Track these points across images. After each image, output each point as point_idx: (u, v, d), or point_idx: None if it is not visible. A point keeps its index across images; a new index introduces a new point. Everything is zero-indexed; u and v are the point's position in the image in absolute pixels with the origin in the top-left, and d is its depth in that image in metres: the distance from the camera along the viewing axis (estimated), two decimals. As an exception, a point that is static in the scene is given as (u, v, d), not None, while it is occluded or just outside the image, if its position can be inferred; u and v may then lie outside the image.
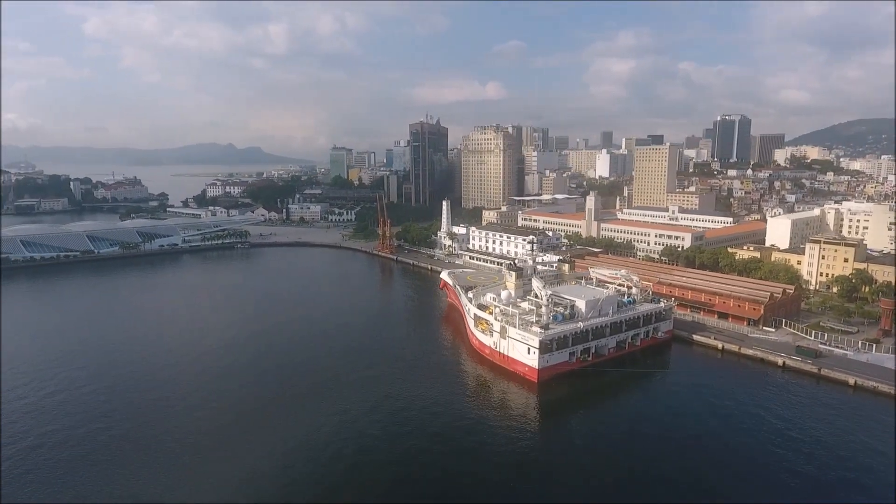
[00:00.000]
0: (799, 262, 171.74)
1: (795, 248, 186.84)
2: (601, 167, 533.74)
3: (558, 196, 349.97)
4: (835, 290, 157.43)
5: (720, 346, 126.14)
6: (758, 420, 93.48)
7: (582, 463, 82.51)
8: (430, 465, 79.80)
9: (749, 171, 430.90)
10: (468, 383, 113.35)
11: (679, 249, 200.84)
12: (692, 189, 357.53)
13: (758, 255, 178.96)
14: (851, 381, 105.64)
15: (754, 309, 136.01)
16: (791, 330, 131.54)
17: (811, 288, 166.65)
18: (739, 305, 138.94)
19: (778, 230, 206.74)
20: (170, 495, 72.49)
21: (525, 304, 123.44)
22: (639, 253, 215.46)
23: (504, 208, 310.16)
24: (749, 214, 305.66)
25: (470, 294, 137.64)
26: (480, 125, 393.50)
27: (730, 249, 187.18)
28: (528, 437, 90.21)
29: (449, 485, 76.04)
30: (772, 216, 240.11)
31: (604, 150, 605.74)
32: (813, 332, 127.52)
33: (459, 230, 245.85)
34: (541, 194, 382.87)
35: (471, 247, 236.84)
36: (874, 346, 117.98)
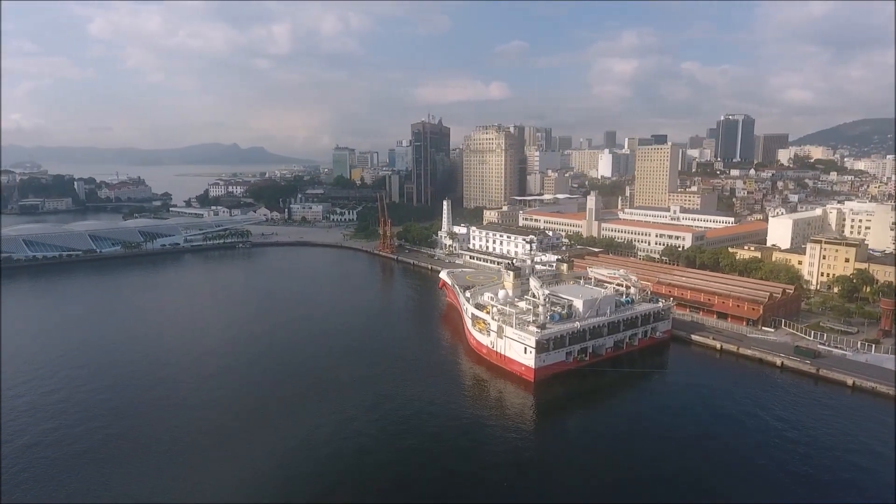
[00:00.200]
0: (800, 263, 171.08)
1: (797, 248, 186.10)
2: (603, 167, 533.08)
3: (560, 196, 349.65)
4: (836, 290, 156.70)
5: (719, 346, 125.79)
6: (756, 420, 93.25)
7: (579, 463, 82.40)
8: (427, 465, 79.92)
9: (752, 171, 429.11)
10: (466, 383, 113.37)
11: (679, 249, 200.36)
12: (694, 189, 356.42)
13: (758, 255, 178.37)
14: (850, 381, 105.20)
15: (753, 309, 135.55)
16: (790, 330, 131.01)
17: (812, 288, 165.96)
18: (738, 305, 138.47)
19: (779, 230, 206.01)
20: (168, 495, 72.61)
21: (522, 304, 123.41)
22: (639, 253, 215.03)
23: (505, 208, 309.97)
24: (751, 214, 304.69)
25: (468, 294, 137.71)
26: (483, 125, 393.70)
27: (730, 249, 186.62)
28: (524, 437, 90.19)
29: (446, 484, 76.07)
30: (774, 216, 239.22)
31: (606, 150, 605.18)
32: (812, 332, 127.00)
33: (460, 230, 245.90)
34: (542, 194, 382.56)
35: (471, 246, 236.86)
36: (873, 346, 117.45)
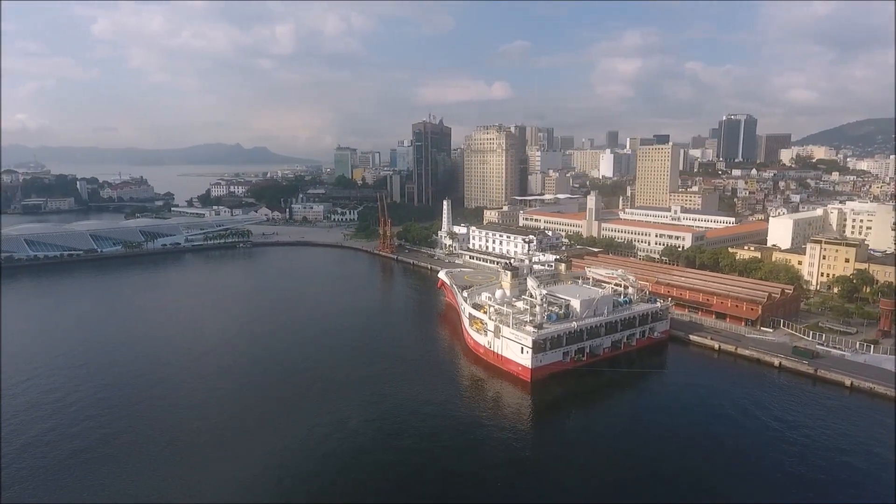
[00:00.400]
0: (800, 263, 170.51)
1: (797, 248, 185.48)
2: (605, 167, 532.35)
3: (560, 196, 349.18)
4: (835, 290, 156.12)
5: (717, 346, 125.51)
6: (753, 420, 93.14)
7: (576, 462, 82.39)
8: (423, 465, 79.93)
9: (753, 171, 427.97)
10: (463, 383, 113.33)
11: (679, 249, 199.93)
12: (695, 189, 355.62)
13: (758, 255, 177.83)
14: (848, 381, 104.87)
15: (752, 309, 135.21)
16: (789, 330, 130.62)
17: (812, 288, 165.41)
18: (737, 306, 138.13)
19: (780, 230, 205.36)
20: (166, 495, 72.53)
21: (520, 304, 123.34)
22: (639, 253, 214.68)
23: (505, 208, 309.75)
24: (753, 214, 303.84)
25: (465, 293, 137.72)
26: (484, 125, 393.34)
27: (730, 250, 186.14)
28: (521, 437, 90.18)
29: (442, 484, 76.08)
30: (775, 216, 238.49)
31: (608, 150, 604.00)
32: (811, 332, 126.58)
33: (460, 230, 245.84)
34: (543, 194, 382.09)
35: (471, 246, 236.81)
36: (872, 346, 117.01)
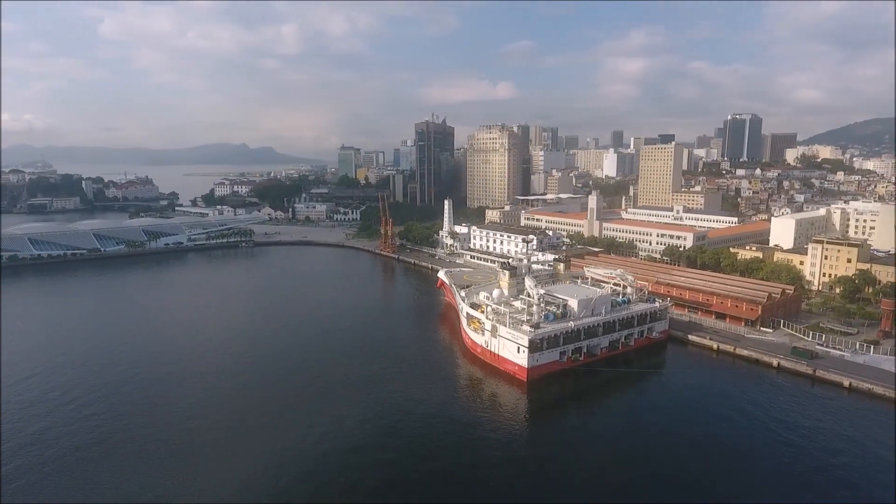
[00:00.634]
0: (801, 263, 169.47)
1: (799, 248, 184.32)
2: (608, 167, 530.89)
3: (562, 195, 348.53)
4: (837, 290, 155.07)
5: (715, 346, 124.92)
6: (751, 420, 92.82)
7: (573, 462, 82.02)
8: (419, 465, 79.74)
9: (758, 171, 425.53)
10: (460, 383, 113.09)
11: (681, 249, 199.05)
12: (698, 189, 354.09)
13: (760, 255, 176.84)
14: (846, 382, 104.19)
15: (751, 309, 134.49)
16: (789, 331, 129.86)
17: (814, 289, 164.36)
18: (737, 306, 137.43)
19: (782, 230, 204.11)
20: (165, 494, 72.45)
21: (517, 304, 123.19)
22: (640, 253, 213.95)
23: (507, 208, 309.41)
24: (756, 214, 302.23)
25: (463, 293, 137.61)
26: (486, 124, 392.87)
27: (732, 250, 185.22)
28: (517, 437, 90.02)
29: (437, 484, 75.89)
30: (778, 216, 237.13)
31: (611, 150, 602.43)
32: (811, 333, 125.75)
33: (461, 229, 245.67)
34: (546, 194, 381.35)
35: (472, 246, 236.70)
36: (872, 347, 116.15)
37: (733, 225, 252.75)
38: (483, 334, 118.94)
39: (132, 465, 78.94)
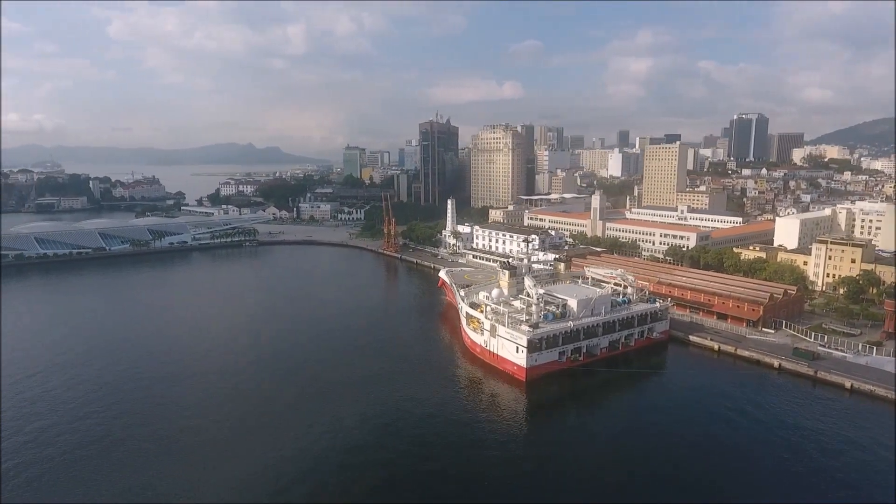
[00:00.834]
0: (805, 263, 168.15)
1: (803, 248, 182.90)
2: (613, 166, 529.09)
3: (566, 195, 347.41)
4: (841, 291, 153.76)
5: (716, 347, 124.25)
6: (751, 421, 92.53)
7: (571, 463, 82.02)
8: (416, 465, 79.87)
9: (764, 171, 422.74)
10: (459, 382, 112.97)
11: (684, 249, 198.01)
12: (703, 189, 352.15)
13: (763, 255, 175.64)
14: (847, 384, 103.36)
15: (753, 310, 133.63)
16: (791, 332, 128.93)
17: (818, 289, 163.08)
18: (738, 306, 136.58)
19: (787, 230, 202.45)
20: (163, 493, 72.69)
21: (517, 303, 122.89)
22: (644, 253, 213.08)
23: (511, 207, 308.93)
24: (762, 215, 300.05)
25: (462, 292, 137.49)
26: (490, 124, 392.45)
27: (735, 250, 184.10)
28: (515, 438, 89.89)
29: (434, 484, 75.96)
30: (784, 216, 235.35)
31: (616, 150, 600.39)
32: (813, 333, 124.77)
33: (464, 229, 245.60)
34: (550, 193, 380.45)
35: (475, 246, 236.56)
36: (875, 348, 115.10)
37: (738, 225, 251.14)
38: (482, 334, 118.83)
39: (132, 464, 79.30)
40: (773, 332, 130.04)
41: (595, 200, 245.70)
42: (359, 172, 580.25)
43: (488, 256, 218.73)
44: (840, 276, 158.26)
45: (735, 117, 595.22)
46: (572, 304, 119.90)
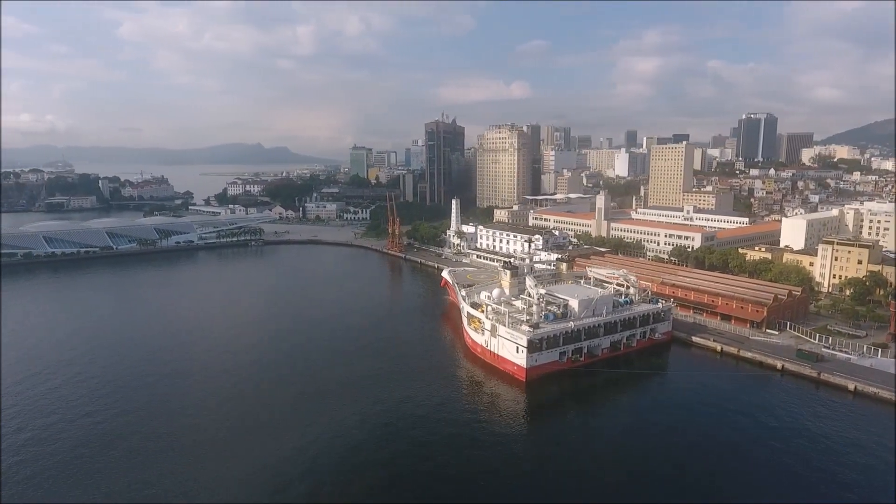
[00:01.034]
0: (811, 264, 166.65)
1: (809, 249, 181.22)
2: (620, 166, 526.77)
3: (572, 195, 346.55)
4: (847, 292, 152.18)
5: (719, 348, 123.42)
6: (753, 422, 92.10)
7: (571, 463, 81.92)
8: (415, 465, 79.94)
9: (772, 171, 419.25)
10: (460, 382, 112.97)
11: (689, 250, 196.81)
12: (709, 189, 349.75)
13: (769, 256, 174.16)
14: (851, 386, 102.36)
15: (757, 311, 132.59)
16: (795, 333, 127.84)
17: (824, 290, 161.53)
18: (742, 307, 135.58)
19: (793, 231, 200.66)
20: (162, 493, 73.03)
21: (518, 303, 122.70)
22: (648, 253, 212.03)
23: (516, 207, 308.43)
24: (769, 215, 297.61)
25: (464, 292, 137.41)
26: (496, 124, 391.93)
27: (741, 250, 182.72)
28: (515, 438, 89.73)
29: (433, 484, 76.02)
30: (791, 216, 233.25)
31: (622, 150, 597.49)
32: (818, 335, 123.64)
33: (468, 229, 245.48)
34: (555, 193, 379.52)
35: (479, 245, 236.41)
36: (880, 350, 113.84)
37: (744, 225, 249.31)
38: (483, 334, 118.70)
39: (132, 462, 79.84)
40: (777, 333, 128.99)
41: (600, 200, 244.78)
42: (365, 172, 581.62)
43: (492, 256, 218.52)
44: (846, 277, 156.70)
45: (743, 117, 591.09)
46: (573, 304, 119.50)
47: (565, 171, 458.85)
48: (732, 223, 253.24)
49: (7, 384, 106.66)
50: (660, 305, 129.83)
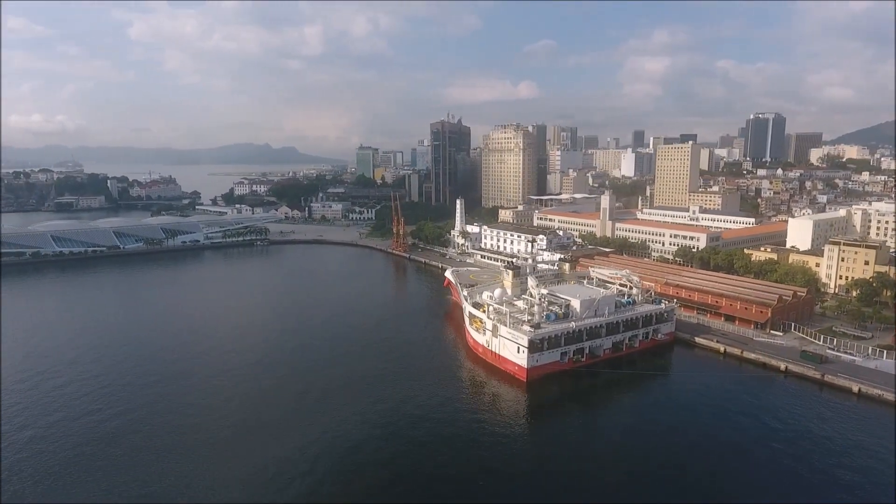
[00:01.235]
0: (817, 265, 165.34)
1: (816, 249, 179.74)
2: (626, 166, 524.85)
3: (577, 195, 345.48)
4: (854, 293, 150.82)
5: (722, 349, 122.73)
6: (755, 423, 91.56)
7: (571, 464, 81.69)
8: (415, 465, 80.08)
9: (779, 171, 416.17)
10: (461, 382, 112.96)
11: (694, 250, 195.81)
12: (715, 189, 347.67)
13: (774, 256, 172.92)
14: (855, 388, 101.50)
15: (761, 312, 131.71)
16: (800, 334, 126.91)
17: (830, 291, 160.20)
18: (746, 308, 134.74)
19: (799, 231, 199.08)
20: (162, 492, 73.42)
21: (520, 303, 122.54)
22: (653, 253, 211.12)
23: (521, 207, 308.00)
24: (777, 215, 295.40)
25: (466, 292, 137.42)
26: (502, 124, 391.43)
27: (746, 251, 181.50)
28: (516, 438, 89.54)
29: (432, 484, 76.11)
30: (798, 217, 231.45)
31: (629, 150, 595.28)
32: (823, 336, 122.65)
33: (472, 229, 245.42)
34: (561, 194, 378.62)
35: (483, 246, 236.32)
36: (885, 352, 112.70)
37: (750, 226, 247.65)
38: (485, 334, 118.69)
39: (133, 461, 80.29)
40: (781, 334, 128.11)
41: (604, 200, 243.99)
42: (371, 172, 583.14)
43: (496, 256, 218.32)
44: (853, 278, 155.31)
45: (751, 117, 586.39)
46: (575, 304, 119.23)
47: (571, 171, 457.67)
48: (738, 223, 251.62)
49: (12, 382, 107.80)
50: (663, 306, 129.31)
